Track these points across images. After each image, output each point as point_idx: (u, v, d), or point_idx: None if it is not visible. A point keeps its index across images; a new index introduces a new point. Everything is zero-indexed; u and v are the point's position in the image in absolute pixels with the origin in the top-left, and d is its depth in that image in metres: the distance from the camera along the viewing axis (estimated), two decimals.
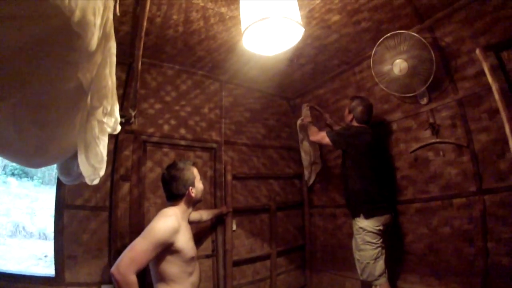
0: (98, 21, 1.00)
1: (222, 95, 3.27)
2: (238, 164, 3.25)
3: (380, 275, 2.31)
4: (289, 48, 2.00)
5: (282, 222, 3.49)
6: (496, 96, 1.69)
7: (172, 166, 2.01)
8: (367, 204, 2.40)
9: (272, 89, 3.62)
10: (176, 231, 1.76)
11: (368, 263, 2.32)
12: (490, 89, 2.00)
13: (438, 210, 2.42)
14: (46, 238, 8.67)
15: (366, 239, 2.36)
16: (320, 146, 3.46)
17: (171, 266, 1.76)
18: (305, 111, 3.14)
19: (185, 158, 2.93)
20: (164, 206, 2.68)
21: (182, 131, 2.95)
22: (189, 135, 2.98)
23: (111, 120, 1.39)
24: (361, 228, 2.39)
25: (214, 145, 3.13)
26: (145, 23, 1.73)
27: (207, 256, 2.95)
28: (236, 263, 3.01)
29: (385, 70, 2.51)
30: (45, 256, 7.43)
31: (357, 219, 2.43)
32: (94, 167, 1.37)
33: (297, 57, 2.91)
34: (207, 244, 2.98)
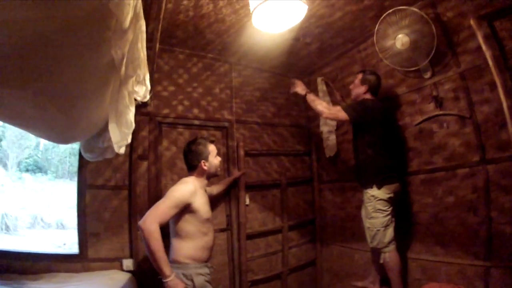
0: (132, 2, 1.12)
1: (232, 76, 3.38)
2: (250, 141, 3.38)
3: (389, 242, 2.41)
4: (294, 25, 2.10)
5: (293, 197, 3.62)
6: (491, 63, 1.77)
7: (192, 141, 2.27)
8: (380, 175, 2.45)
9: (280, 68, 3.71)
10: (193, 194, 2.02)
11: (378, 230, 2.41)
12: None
13: (443, 180, 2.48)
14: (63, 228, 8.98)
15: (377, 207, 2.43)
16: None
17: (188, 225, 2.00)
18: (321, 86, 3.38)
19: (199, 136, 3.07)
20: None
21: (195, 111, 3.08)
22: (202, 115, 3.12)
23: (142, 88, 1.54)
24: (372, 196, 2.46)
25: (226, 124, 3.26)
26: (163, 7, 1.83)
27: (222, 230, 3.11)
28: (250, 237, 3.17)
29: (388, 45, 2.58)
30: (64, 244, 7.71)
31: (369, 189, 2.50)
32: (124, 133, 1.53)
33: (303, 35, 2.98)
34: (222, 219, 3.14)
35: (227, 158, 3.21)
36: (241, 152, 3.16)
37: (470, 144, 2.33)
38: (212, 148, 2.24)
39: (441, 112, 2.50)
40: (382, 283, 2.64)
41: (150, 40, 2.40)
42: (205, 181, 2.26)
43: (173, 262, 1.94)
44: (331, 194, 3.63)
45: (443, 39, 2.41)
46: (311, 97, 2.75)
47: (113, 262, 2.54)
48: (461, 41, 2.35)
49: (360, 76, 2.71)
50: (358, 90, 2.69)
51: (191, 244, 2.00)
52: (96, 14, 0.98)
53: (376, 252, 2.53)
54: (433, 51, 2.33)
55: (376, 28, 2.59)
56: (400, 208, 2.64)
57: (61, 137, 1.99)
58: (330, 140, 3.53)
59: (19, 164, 12.00)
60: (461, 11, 2.32)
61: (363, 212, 2.62)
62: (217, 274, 3.02)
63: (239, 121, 3.34)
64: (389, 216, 2.43)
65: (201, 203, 2.06)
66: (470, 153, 2.33)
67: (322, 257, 3.66)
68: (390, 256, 2.40)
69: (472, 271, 2.26)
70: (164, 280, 1.76)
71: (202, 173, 2.20)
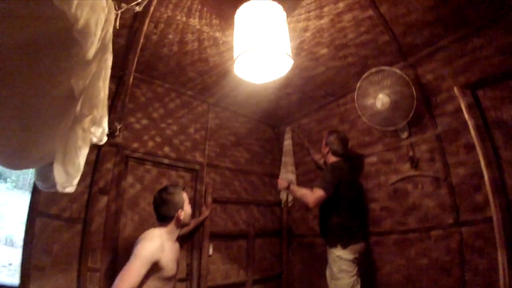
0: (98, 32, 1.02)
1: (208, 117, 3.29)
2: (220, 187, 3.23)
3: None
4: (278, 78, 2.07)
5: (260, 249, 3.42)
6: (472, 132, 1.78)
7: (164, 189, 2.14)
8: (345, 235, 2.43)
9: (258, 115, 3.68)
10: (161, 250, 1.89)
11: None
12: (467, 125, 2.11)
13: (416, 241, 2.44)
14: (12, 245, 8.21)
15: (342, 268, 2.37)
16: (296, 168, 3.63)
17: (150, 282, 1.85)
18: (288, 134, 3.57)
19: (167, 176, 2.92)
20: (142, 223, 2.69)
21: (166, 149, 2.93)
22: (173, 154, 2.96)
23: (98, 130, 1.39)
24: (337, 256, 2.40)
25: (197, 166, 3.10)
26: (141, 39, 1.76)
27: (181, 280, 2.84)
28: None
29: (368, 104, 2.61)
30: (10, 264, 7.00)
31: (333, 248, 2.45)
32: (68, 174, 1.35)
33: (284, 86, 3.00)
34: (182, 267, 2.87)
35: (194, 202, 3.02)
36: (209, 199, 3.00)
37: (445, 205, 2.32)
38: (185, 196, 2.16)
39: (416, 173, 2.51)
40: None
41: (123, 68, 2.33)
42: (178, 231, 2.14)
43: None
44: (300, 249, 3.48)
45: (421, 100, 2.47)
46: (294, 188, 2.71)
47: None
48: (439, 104, 2.42)
49: (325, 136, 2.80)
50: (324, 150, 2.79)
51: None
52: (59, 39, 0.89)
53: None
54: (412, 113, 2.36)
55: (358, 85, 2.63)
56: (371, 268, 2.59)
57: (14, 157, 1.77)
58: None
59: None
60: (440, 74, 2.40)
61: (328, 273, 2.53)
62: None
63: (210, 165, 3.20)
64: (354, 277, 2.37)
65: (168, 260, 1.95)
66: (445, 214, 2.32)
67: None
68: None
69: None
70: None
71: (178, 224, 2.10)
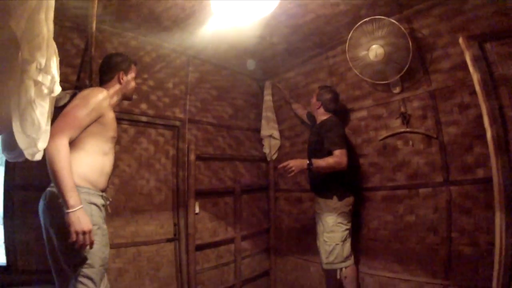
0: None
1: (188, 70, 3.07)
2: (203, 143, 3.11)
3: (347, 257, 2.39)
4: (261, 21, 1.87)
5: (247, 205, 3.42)
6: (477, 87, 1.67)
7: (112, 53, 2.00)
8: (341, 186, 2.45)
9: (241, 67, 3.46)
10: (108, 103, 1.69)
11: (337, 244, 2.37)
12: (463, 83, 2.04)
13: (404, 198, 2.45)
14: None
15: (338, 220, 2.40)
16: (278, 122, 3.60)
17: (91, 137, 1.61)
18: (268, 90, 3.59)
19: (146, 135, 2.77)
20: (123, 185, 2.63)
21: (143, 106, 2.73)
22: (151, 111, 2.78)
23: (47, 78, 1.14)
24: (334, 209, 2.41)
25: (178, 123, 2.94)
26: None
27: (169, 240, 2.83)
28: (199, 248, 2.93)
29: (361, 55, 2.47)
30: None
31: (329, 201, 2.45)
32: (31, 137, 1.18)
33: (269, 34, 2.77)
34: (169, 228, 2.84)
35: (177, 161, 2.91)
36: (192, 157, 2.88)
37: (435, 164, 2.31)
38: (134, 69, 1.93)
39: (407, 129, 2.46)
40: None
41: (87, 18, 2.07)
42: (117, 98, 1.87)
43: None
44: (288, 203, 3.49)
45: (416, 55, 2.35)
46: (316, 163, 2.34)
47: (47, 274, 2.15)
48: (434, 60, 2.31)
49: (316, 91, 2.71)
50: (315, 105, 2.69)
51: (88, 161, 1.58)
52: None
53: (330, 271, 2.46)
54: (407, 66, 2.24)
55: (350, 35, 2.45)
56: (358, 223, 2.63)
57: None
58: (272, 145, 3.58)
59: None
60: (437, 29, 2.28)
61: (319, 227, 2.52)
62: None
63: (192, 121, 3.04)
64: (347, 231, 2.42)
65: (111, 118, 1.71)
66: (434, 173, 2.31)
67: (277, 267, 3.52)
68: (347, 271, 2.38)
69: None
70: (67, 211, 1.35)
71: (115, 88, 1.84)
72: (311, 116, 2.93)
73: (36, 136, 1.20)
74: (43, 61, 1.09)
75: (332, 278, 2.48)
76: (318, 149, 2.52)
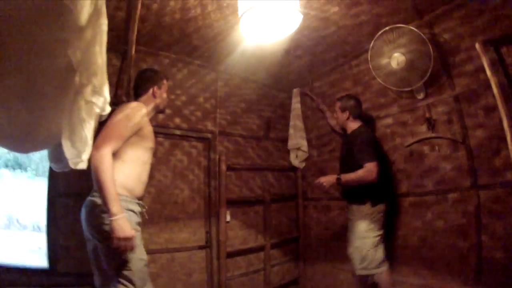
0: None
1: (217, 85, 3.23)
2: (233, 154, 3.24)
3: (381, 263, 2.37)
4: (286, 36, 1.99)
5: (276, 214, 3.49)
6: (495, 90, 1.69)
7: (145, 69, 2.20)
8: (374, 192, 2.43)
9: (268, 80, 3.59)
10: (145, 117, 1.79)
11: (369, 250, 2.37)
12: (487, 86, 2.01)
13: (433, 204, 2.44)
14: (40, 230, 8.63)
15: (370, 226, 2.40)
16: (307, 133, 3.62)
17: (131, 148, 1.72)
18: (296, 98, 3.54)
19: (180, 147, 2.94)
20: (159, 195, 2.77)
21: (177, 120, 2.91)
22: (184, 125, 2.95)
23: (99, 99, 1.36)
24: (367, 214, 2.42)
25: (209, 135, 3.10)
26: (139, 6, 1.69)
27: (201, 248, 2.95)
28: (230, 255, 3.02)
29: (383, 64, 2.50)
30: (39, 248, 7.33)
31: (362, 206, 2.45)
32: (78, 149, 1.38)
33: (294, 48, 2.88)
34: (201, 235, 2.97)
35: (208, 171, 3.06)
36: (223, 167, 3.02)
37: (462, 168, 2.29)
38: (165, 83, 2.06)
39: (433, 135, 2.45)
40: None
41: (126, 42, 2.28)
42: (151, 113, 1.98)
43: None
44: (316, 212, 3.53)
45: (438, 60, 2.36)
46: (345, 178, 2.44)
47: (85, 278, 2.28)
48: (457, 64, 2.31)
49: (338, 104, 2.71)
50: (343, 117, 2.68)
51: (126, 170, 1.68)
52: (51, 8, 0.85)
53: (364, 277, 2.45)
54: (429, 72, 2.26)
55: (371, 44, 2.51)
56: (388, 230, 2.59)
57: (22, 139, 1.79)
58: (299, 155, 3.60)
59: None
60: (458, 33, 2.28)
61: (351, 234, 2.53)
62: None
63: (222, 133, 3.19)
64: (379, 237, 2.42)
65: (150, 131, 1.83)
66: (462, 177, 2.29)
67: (306, 276, 3.54)
68: (382, 276, 2.36)
69: None
70: (110, 219, 1.46)
71: (150, 102, 1.96)
72: (342, 128, 2.90)
73: (82, 149, 1.38)
74: (98, 85, 1.29)
75: (365, 284, 2.47)
76: (350, 160, 2.52)
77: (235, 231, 3.13)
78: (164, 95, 2.04)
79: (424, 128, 2.52)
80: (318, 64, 3.30)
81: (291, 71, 3.42)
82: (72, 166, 1.45)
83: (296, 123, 3.59)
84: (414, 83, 2.42)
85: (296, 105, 3.65)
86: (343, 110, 2.65)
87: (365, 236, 2.40)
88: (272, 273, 3.32)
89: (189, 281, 2.86)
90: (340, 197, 2.87)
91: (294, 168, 3.71)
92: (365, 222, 2.42)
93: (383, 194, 2.49)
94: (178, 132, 2.90)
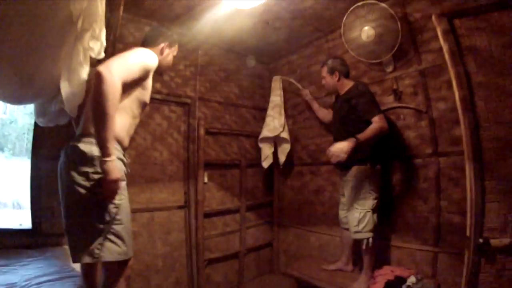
0: None
1: (198, 54, 3.32)
2: (211, 120, 3.36)
3: (375, 226, 2.35)
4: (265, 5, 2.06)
5: (251, 178, 3.68)
6: (446, 56, 1.87)
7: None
8: (374, 153, 2.40)
9: (248, 51, 3.70)
10: (153, 68, 1.66)
11: (368, 211, 2.34)
12: None
13: (397, 169, 2.63)
14: (20, 208, 8.52)
15: (370, 188, 2.38)
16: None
17: (128, 98, 1.57)
18: (278, 83, 3.42)
19: (159, 111, 3.05)
20: (139, 157, 2.90)
21: (157, 85, 2.99)
22: (164, 90, 3.05)
23: (97, 44, 1.44)
24: (367, 176, 2.38)
25: (188, 101, 3.21)
26: None
27: (180, 207, 3.11)
28: (207, 215, 3.20)
29: (354, 36, 2.64)
30: (20, 225, 7.30)
31: (362, 167, 2.38)
32: (73, 90, 1.45)
33: (272, 19, 2.98)
34: (180, 196, 3.13)
35: (188, 135, 3.19)
36: (201, 131, 3.15)
37: (424, 137, 2.47)
38: (177, 47, 1.95)
39: (399, 105, 2.62)
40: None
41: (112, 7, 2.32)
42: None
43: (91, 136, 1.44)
44: (290, 178, 3.72)
45: (408, 37, 2.51)
46: (362, 137, 2.26)
47: None
48: (425, 41, 2.47)
49: (324, 69, 2.67)
50: (331, 81, 2.62)
51: (119, 120, 1.49)
52: None
53: (354, 245, 2.57)
54: (397, 46, 2.42)
55: (344, 19, 2.63)
56: None
57: (14, 95, 1.86)
58: (282, 149, 3.49)
59: None
60: (428, 13, 2.38)
61: (349, 197, 2.45)
62: (174, 252, 3.06)
63: (201, 99, 3.30)
64: (377, 200, 2.40)
65: (150, 85, 1.68)
66: (424, 145, 2.47)
67: (279, 238, 3.76)
68: (372, 241, 2.34)
69: (422, 256, 2.44)
70: (106, 159, 1.32)
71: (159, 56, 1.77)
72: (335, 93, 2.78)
73: (77, 91, 1.48)
74: (97, 30, 1.38)
75: (354, 242, 2.55)
76: (351, 120, 2.44)
77: (212, 192, 3.30)
78: (170, 58, 1.90)
79: (391, 98, 2.68)
80: (295, 37, 3.41)
81: (270, 43, 3.52)
82: (67, 109, 1.52)
83: (272, 113, 3.44)
84: (383, 56, 2.58)
85: (275, 97, 3.50)
86: (331, 72, 2.61)
87: (365, 197, 2.37)
88: (247, 235, 3.54)
89: (168, 240, 3.02)
90: None
91: None
92: (365, 183, 2.38)
93: (380, 154, 2.46)
94: (158, 96, 2.99)
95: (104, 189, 1.34)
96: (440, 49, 2.27)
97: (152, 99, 2.84)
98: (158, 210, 2.98)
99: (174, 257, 3.06)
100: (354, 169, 2.42)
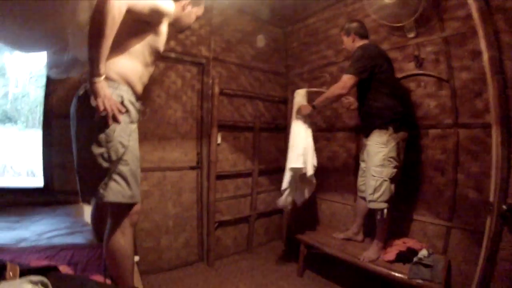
0: None
1: (212, 13, 3.23)
2: (226, 81, 3.30)
3: (391, 197, 2.24)
4: None
5: (265, 142, 3.63)
6: (475, 14, 1.75)
7: None
8: (397, 117, 2.26)
9: (263, 13, 3.57)
10: (169, 16, 1.57)
11: (385, 180, 2.21)
12: (476, 31, 2.04)
13: (414, 138, 2.50)
14: (34, 176, 8.72)
15: (390, 155, 2.22)
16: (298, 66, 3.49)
17: (139, 43, 1.50)
18: (300, 97, 2.82)
19: (174, 69, 2.99)
20: (154, 113, 2.87)
21: (172, 43, 2.93)
22: (179, 48, 2.98)
23: None
24: (388, 141, 2.24)
25: (203, 60, 3.14)
26: None
27: (192, 168, 3.09)
28: (219, 177, 3.17)
29: None
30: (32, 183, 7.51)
31: (384, 131, 2.25)
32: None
33: None
34: (192, 156, 3.10)
35: (202, 95, 3.15)
36: (216, 90, 3.08)
37: (445, 106, 2.39)
38: (202, 6, 1.82)
39: (420, 72, 2.53)
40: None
41: None
42: (171, 20, 1.67)
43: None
44: None
45: (431, 2, 2.39)
46: (318, 101, 2.50)
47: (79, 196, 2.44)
48: (449, 8, 2.35)
49: (342, 33, 2.58)
50: (349, 44, 2.52)
51: (130, 64, 1.47)
52: None
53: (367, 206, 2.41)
54: (420, 9, 2.32)
55: None
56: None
57: (27, 36, 1.82)
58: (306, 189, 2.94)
59: None
60: None
61: (365, 163, 2.41)
62: (184, 213, 3.06)
63: (216, 59, 3.23)
64: (397, 169, 2.25)
65: (165, 32, 1.59)
66: (444, 115, 2.40)
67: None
68: (387, 212, 2.24)
69: (434, 230, 2.40)
70: (93, 80, 1.27)
71: (176, 11, 1.66)
72: None
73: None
74: None
75: (365, 210, 2.51)
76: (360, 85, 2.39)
77: (225, 154, 3.27)
78: (193, 17, 1.79)
79: (412, 65, 2.59)
80: (313, 0, 3.29)
81: (286, 6, 3.40)
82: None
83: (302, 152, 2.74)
84: (404, 20, 2.47)
85: (298, 123, 2.77)
86: (348, 34, 2.52)
87: (384, 164, 2.22)
88: (258, 200, 3.52)
89: (179, 200, 3.02)
90: (360, 122, 2.68)
91: (284, 101, 3.80)
92: (385, 149, 2.23)
93: (405, 120, 2.30)
94: (172, 55, 2.93)
95: (99, 107, 1.28)
96: (465, 17, 2.22)
97: (166, 57, 2.88)
98: (170, 169, 2.97)
99: (184, 217, 3.06)
100: (375, 132, 2.31)
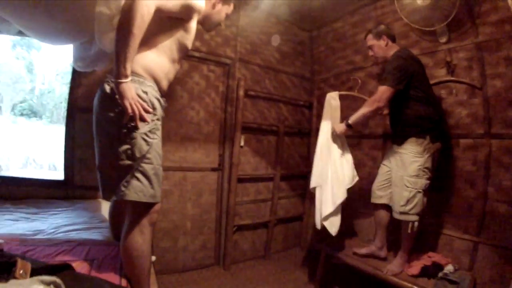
0: None
1: (239, 15, 3.21)
2: (251, 83, 3.26)
3: (421, 212, 2.14)
4: None
5: (288, 147, 3.57)
6: None
7: None
8: (435, 126, 2.15)
9: (289, 16, 3.53)
10: (199, 13, 1.54)
11: (419, 192, 2.10)
12: (510, 37, 1.99)
13: (444, 148, 2.34)
14: (55, 169, 8.94)
15: (425, 165, 2.12)
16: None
17: (167, 39, 1.49)
18: (333, 101, 2.66)
19: (198, 70, 2.98)
20: (176, 112, 2.83)
21: (197, 43, 2.91)
22: (204, 48, 2.96)
23: None
24: (425, 150, 2.12)
25: (228, 61, 3.12)
26: None
27: (213, 169, 3.06)
28: (241, 180, 3.13)
29: (408, 2, 2.45)
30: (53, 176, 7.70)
31: (421, 140, 2.13)
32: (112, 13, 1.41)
33: None
34: (214, 158, 3.08)
35: (226, 97, 3.12)
36: (241, 92, 3.05)
37: (477, 115, 2.29)
38: (232, 5, 1.81)
39: (452, 79, 2.43)
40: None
41: None
42: (200, 18, 1.64)
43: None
44: None
45: (464, 6, 2.30)
46: (354, 119, 2.28)
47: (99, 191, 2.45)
48: (483, 13, 2.26)
49: (369, 36, 2.41)
50: (382, 48, 2.36)
51: (157, 60, 1.45)
52: None
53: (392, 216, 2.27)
54: (454, 13, 2.22)
55: None
56: None
57: (55, 27, 1.83)
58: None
59: (13, 107, 11.80)
60: None
61: (399, 173, 2.21)
62: (203, 215, 3.03)
63: (242, 60, 3.20)
64: (429, 180, 2.14)
65: (194, 29, 1.56)
66: (476, 124, 2.29)
67: (310, 213, 3.65)
68: (418, 225, 2.13)
69: (461, 245, 2.29)
70: (120, 80, 1.24)
71: (206, 9, 1.63)
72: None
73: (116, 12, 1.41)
74: None
75: (388, 223, 2.39)
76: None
77: (248, 157, 3.22)
78: (223, 15, 1.77)
79: (443, 72, 2.50)
80: (341, 3, 3.23)
81: (313, 9, 3.34)
82: (100, 45, 1.47)
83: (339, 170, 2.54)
84: (437, 24, 2.39)
85: (327, 130, 2.56)
86: (378, 37, 2.36)
87: (419, 174, 2.10)
88: (278, 205, 3.45)
89: (198, 201, 3.00)
90: (390, 129, 2.54)
91: (309, 106, 3.74)
92: (422, 159, 2.11)
93: (441, 130, 2.22)
94: (197, 54, 2.91)
95: (127, 109, 1.25)
96: (498, 22, 2.13)
97: (190, 56, 2.86)
98: (191, 170, 2.95)
99: (203, 219, 3.04)
100: (411, 141, 2.16)
